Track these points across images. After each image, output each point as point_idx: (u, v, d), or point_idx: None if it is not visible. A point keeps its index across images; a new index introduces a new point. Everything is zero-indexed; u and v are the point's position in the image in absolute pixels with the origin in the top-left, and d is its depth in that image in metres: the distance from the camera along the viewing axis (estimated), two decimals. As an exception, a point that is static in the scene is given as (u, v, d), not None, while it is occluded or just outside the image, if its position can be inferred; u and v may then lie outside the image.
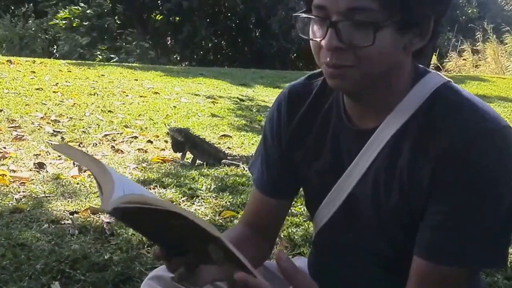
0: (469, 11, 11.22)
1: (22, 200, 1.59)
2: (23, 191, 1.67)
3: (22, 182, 1.75)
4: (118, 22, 8.58)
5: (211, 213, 1.58)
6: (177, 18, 8.73)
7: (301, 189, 0.69)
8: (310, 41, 0.55)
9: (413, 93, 0.56)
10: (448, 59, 8.58)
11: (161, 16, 8.88)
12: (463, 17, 10.95)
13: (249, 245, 0.66)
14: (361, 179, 0.59)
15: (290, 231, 1.45)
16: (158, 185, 1.79)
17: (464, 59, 8.36)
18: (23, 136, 2.40)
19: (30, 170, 1.90)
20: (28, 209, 1.52)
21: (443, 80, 0.57)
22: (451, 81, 0.58)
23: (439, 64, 8.10)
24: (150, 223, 0.45)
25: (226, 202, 1.66)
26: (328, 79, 0.55)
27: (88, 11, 8.16)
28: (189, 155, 2.20)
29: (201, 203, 1.66)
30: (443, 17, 0.54)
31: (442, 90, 0.56)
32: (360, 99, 0.58)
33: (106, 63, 5.78)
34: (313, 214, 0.66)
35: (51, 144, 0.54)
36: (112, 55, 7.60)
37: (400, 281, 0.56)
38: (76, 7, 8.16)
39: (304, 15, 0.54)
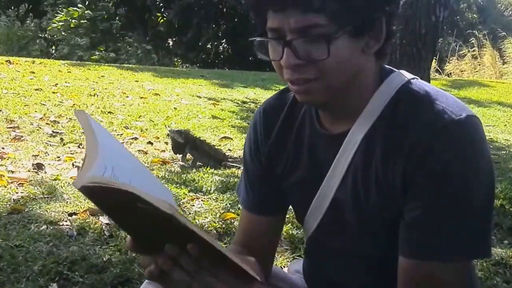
0: (469, 17, 11.28)
1: (20, 201, 1.57)
2: (21, 192, 1.65)
3: (20, 183, 1.73)
4: (119, 23, 8.59)
5: (212, 215, 1.56)
6: (180, 22, 8.74)
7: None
8: (272, 61, 0.56)
9: (378, 93, 0.58)
10: (448, 63, 8.63)
11: (163, 19, 8.90)
12: (464, 23, 11.01)
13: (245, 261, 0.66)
14: (341, 183, 0.60)
15: (290, 234, 1.44)
16: (158, 187, 1.77)
17: (464, 64, 8.40)
18: (21, 136, 2.38)
19: (29, 171, 1.89)
20: (26, 210, 1.50)
21: (406, 78, 0.58)
22: (417, 78, 0.59)
23: (438, 68, 8.14)
24: (120, 208, 0.45)
25: (226, 204, 1.64)
26: (296, 95, 0.57)
27: (86, 12, 8.15)
28: (189, 157, 2.19)
29: (201, 205, 1.65)
30: (395, 17, 0.56)
31: (404, 88, 0.57)
32: (331, 108, 0.59)
33: (106, 64, 5.78)
34: (302, 223, 0.66)
35: (75, 111, 0.53)
36: (111, 54, 7.59)
37: (392, 282, 0.57)
38: (74, 9, 8.15)
39: (259, 38, 0.56)
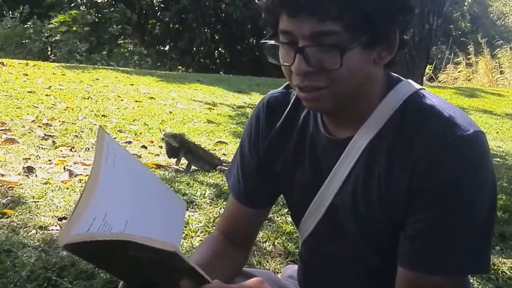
0: (463, 25, 11.46)
1: (10, 205, 1.54)
2: (10, 196, 1.62)
3: (10, 187, 1.70)
4: (116, 28, 8.57)
5: (205, 219, 1.55)
6: (176, 26, 8.76)
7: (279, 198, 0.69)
8: (282, 65, 0.55)
9: (385, 102, 0.57)
10: (442, 71, 8.73)
11: (159, 24, 8.90)
12: (457, 31, 11.18)
13: (225, 259, 0.66)
14: (341, 189, 0.59)
15: (283, 239, 1.43)
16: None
17: (458, 72, 8.51)
18: (13, 139, 2.35)
19: (19, 174, 1.86)
20: (15, 214, 1.47)
21: (414, 88, 0.58)
22: (424, 88, 0.59)
23: (433, 75, 8.24)
24: (110, 258, 0.44)
25: (220, 209, 1.63)
26: (304, 102, 0.57)
27: (89, 16, 8.13)
28: (183, 161, 2.17)
29: (195, 209, 1.63)
30: (409, 26, 0.55)
31: (411, 99, 0.57)
32: (337, 114, 0.59)
33: (101, 67, 5.76)
34: (298, 225, 0.66)
35: (98, 129, 0.50)
36: (112, 63, 7.56)
37: None
38: (76, 11, 8.13)
39: (271, 41, 0.56)
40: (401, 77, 0.60)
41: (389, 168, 0.55)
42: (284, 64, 0.54)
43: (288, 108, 0.64)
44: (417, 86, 0.59)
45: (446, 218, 0.52)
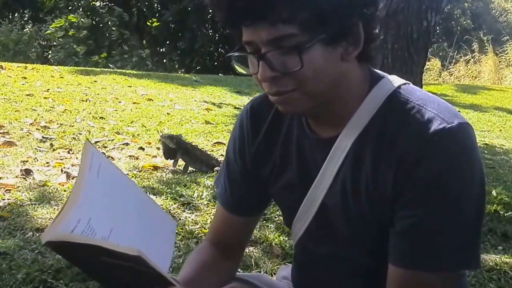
0: (464, 22, 11.40)
1: (7, 207, 1.54)
2: (8, 198, 1.62)
3: (7, 189, 1.70)
4: (114, 30, 8.58)
5: (202, 221, 1.54)
6: (175, 26, 8.75)
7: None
8: (252, 75, 0.55)
9: (368, 100, 0.56)
10: (445, 69, 8.69)
11: (159, 23, 8.90)
12: (458, 28, 11.12)
13: (214, 270, 0.66)
14: (330, 189, 0.58)
15: (281, 240, 1.42)
16: (148, 193, 1.75)
17: (463, 69, 8.46)
18: (11, 142, 2.35)
19: (17, 177, 1.86)
20: (12, 217, 1.47)
21: (398, 83, 0.57)
22: (409, 84, 0.58)
23: (441, 70, 8.20)
24: (88, 263, 0.45)
25: (217, 210, 1.62)
26: (279, 107, 0.56)
27: (83, 20, 8.14)
28: (181, 162, 2.16)
29: (192, 210, 1.63)
30: (375, 19, 0.54)
31: (395, 95, 0.56)
32: (316, 115, 0.58)
33: (99, 69, 5.76)
34: (290, 227, 0.65)
35: (85, 142, 0.53)
36: (110, 64, 7.58)
37: None
38: (73, 15, 8.14)
39: (236, 53, 0.55)
40: (385, 74, 0.59)
41: (375, 166, 0.54)
42: (253, 74, 0.54)
43: (272, 112, 0.63)
44: (401, 81, 0.58)
45: (433, 214, 0.51)
